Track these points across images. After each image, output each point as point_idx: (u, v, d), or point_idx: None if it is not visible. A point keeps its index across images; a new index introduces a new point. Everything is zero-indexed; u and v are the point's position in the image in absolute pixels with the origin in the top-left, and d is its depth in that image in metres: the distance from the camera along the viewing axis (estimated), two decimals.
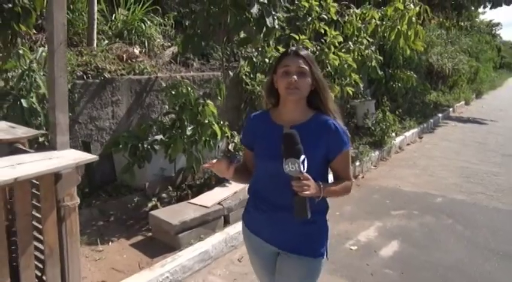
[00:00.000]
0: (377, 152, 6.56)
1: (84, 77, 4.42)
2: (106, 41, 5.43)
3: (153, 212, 3.46)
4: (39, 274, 2.37)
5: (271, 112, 1.89)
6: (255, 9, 4.54)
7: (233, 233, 3.52)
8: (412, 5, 6.95)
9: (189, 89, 3.75)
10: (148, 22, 5.88)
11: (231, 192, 3.82)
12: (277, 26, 4.82)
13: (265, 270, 1.98)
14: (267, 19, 4.66)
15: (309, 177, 1.60)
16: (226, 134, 4.05)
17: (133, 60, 5.22)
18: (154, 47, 6.05)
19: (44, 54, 3.59)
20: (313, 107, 1.83)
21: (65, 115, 2.38)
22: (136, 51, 5.47)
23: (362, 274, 3.29)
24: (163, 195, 4.25)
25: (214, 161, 1.81)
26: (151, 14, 6.19)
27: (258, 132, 1.89)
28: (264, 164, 1.83)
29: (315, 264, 1.83)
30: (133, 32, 5.84)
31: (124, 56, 5.16)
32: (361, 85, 6.88)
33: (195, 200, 3.61)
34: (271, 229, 1.85)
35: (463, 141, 8.65)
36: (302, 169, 1.56)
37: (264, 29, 4.76)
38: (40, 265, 2.35)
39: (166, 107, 5.01)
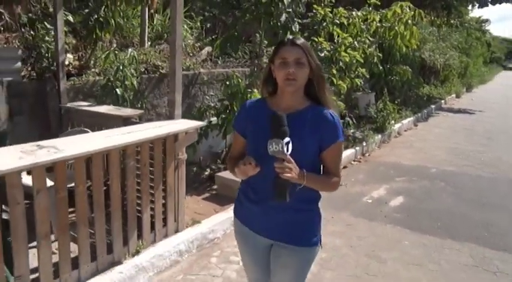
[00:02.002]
0: (379, 136, 7.83)
1: (146, 72, 5.61)
2: (149, 42, 6.62)
3: (219, 174, 4.68)
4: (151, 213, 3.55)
5: (268, 100, 1.93)
6: (283, 18, 5.76)
7: None
8: (407, 9, 8.23)
9: (240, 80, 4.96)
10: (185, 26, 7.07)
11: None
12: (297, 30, 6.07)
13: (255, 264, 2.04)
14: (292, 25, 5.90)
15: (292, 160, 1.64)
16: None
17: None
18: (187, 47, 7.25)
19: (132, 53, 4.78)
20: (311, 96, 1.87)
21: (179, 95, 3.59)
22: None
23: (378, 216, 4.53)
24: (213, 166, 5.46)
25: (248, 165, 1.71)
26: (184, 19, 7.38)
27: (253, 118, 1.91)
28: (256, 152, 1.79)
29: (310, 253, 1.91)
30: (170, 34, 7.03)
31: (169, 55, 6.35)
32: (362, 79, 8.15)
33: None
34: (263, 220, 1.88)
35: (453, 128, 9.99)
36: (285, 151, 1.60)
37: (288, 33, 6.01)
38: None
39: (207, 97, 6.21)
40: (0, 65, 4.30)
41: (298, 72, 1.76)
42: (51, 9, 5.68)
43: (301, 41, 1.81)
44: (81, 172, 2.73)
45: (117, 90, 4.51)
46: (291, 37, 1.84)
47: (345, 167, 6.20)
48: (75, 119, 4.32)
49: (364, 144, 7.14)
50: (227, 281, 3.22)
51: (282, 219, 1.84)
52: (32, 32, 5.19)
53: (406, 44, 8.16)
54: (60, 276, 2.72)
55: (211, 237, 3.80)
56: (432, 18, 16.41)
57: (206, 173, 5.19)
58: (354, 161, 6.63)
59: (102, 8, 5.03)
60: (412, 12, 7.71)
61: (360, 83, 7.08)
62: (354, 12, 7.87)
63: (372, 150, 7.34)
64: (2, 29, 5.53)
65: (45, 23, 5.03)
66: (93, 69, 5.04)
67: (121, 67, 4.52)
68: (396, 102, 9.27)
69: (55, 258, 2.74)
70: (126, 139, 2.98)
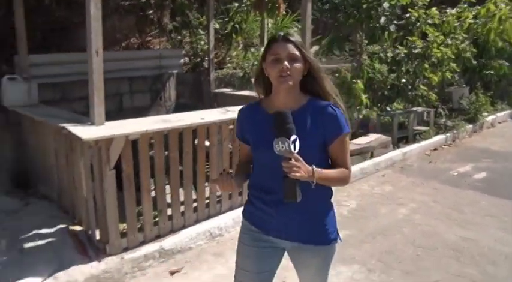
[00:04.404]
0: (471, 125, 8.75)
1: None
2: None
3: None
4: None
5: (262, 102, 1.94)
6: (382, 20, 7.07)
7: (378, 161, 6.09)
8: (503, 5, 9.04)
9: (346, 73, 6.38)
10: (295, 28, 8.60)
11: (374, 138, 6.40)
12: (394, 30, 7.33)
13: (256, 266, 2.00)
14: (389, 26, 7.18)
15: (300, 158, 1.65)
16: (367, 103, 6.64)
17: None
18: None
19: (262, 52, 6.41)
20: (308, 92, 1.88)
21: None
22: None
23: (461, 184, 5.67)
24: None
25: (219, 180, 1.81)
26: (293, 21, 8.93)
27: (251, 124, 1.94)
28: (260, 155, 1.87)
29: (330, 250, 1.95)
30: None
31: None
32: (456, 74, 9.10)
33: (353, 141, 6.24)
34: (279, 221, 1.88)
35: None
36: (292, 149, 1.62)
37: (386, 33, 7.30)
38: None
39: None
40: (170, 61, 6.16)
41: (293, 68, 1.76)
42: (190, 18, 7.55)
43: (293, 36, 1.82)
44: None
45: (252, 80, 6.15)
46: (282, 33, 1.84)
47: (435, 149, 7.33)
48: (221, 100, 6.02)
49: (455, 131, 8.15)
50: (340, 217, 4.65)
51: (298, 219, 1.86)
52: (179, 37, 7.08)
53: (502, 37, 8.97)
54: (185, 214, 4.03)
55: None
56: None
57: None
58: (444, 145, 7.69)
59: (237, 16, 6.76)
60: (508, 8, 8.53)
61: (451, 76, 8.11)
62: (448, 11, 8.88)
63: (462, 137, 8.30)
64: (157, 35, 7.52)
65: (195, 29, 6.86)
66: (228, 64, 6.76)
67: (256, 62, 6.15)
68: (489, 94, 10.00)
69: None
70: None
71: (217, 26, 6.71)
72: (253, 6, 6.78)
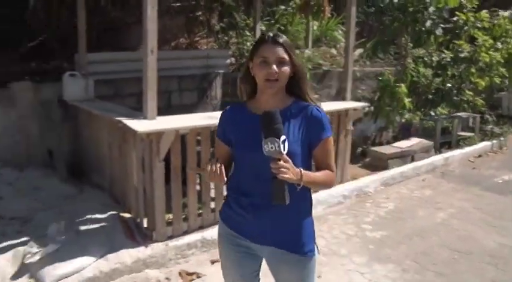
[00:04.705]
0: None
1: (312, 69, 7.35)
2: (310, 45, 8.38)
3: (372, 148, 6.22)
4: None
5: (247, 103, 1.91)
6: (428, 23, 7.05)
7: (418, 165, 6.11)
8: None
9: (390, 76, 6.42)
10: (339, 31, 8.69)
11: (416, 142, 6.42)
12: (440, 34, 7.29)
13: (237, 273, 1.99)
14: (435, 29, 7.15)
15: (289, 159, 1.62)
16: (410, 107, 6.65)
17: (334, 58, 8.07)
18: (340, 49, 8.87)
19: (307, 54, 6.56)
20: (293, 94, 1.87)
21: (350, 84, 5.19)
22: (334, 52, 8.31)
23: (506, 192, 5.59)
24: (363, 146, 6.98)
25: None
26: (338, 24, 9.02)
27: (234, 125, 1.90)
28: (244, 155, 1.83)
29: (306, 263, 1.89)
30: (327, 38, 8.74)
31: (328, 55, 8.04)
32: (506, 79, 8.89)
33: (394, 144, 6.29)
34: (254, 227, 1.86)
35: None
36: (282, 150, 1.58)
37: (432, 37, 7.27)
38: None
39: (359, 90, 7.75)
40: (217, 61, 6.41)
41: (281, 73, 1.74)
42: (237, 19, 7.79)
43: (283, 38, 1.79)
44: None
45: None
46: (271, 34, 1.80)
47: (479, 156, 7.22)
48: None
49: (502, 138, 7.98)
50: (377, 217, 4.74)
51: (275, 224, 1.83)
52: (225, 37, 7.34)
53: None
54: None
55: (366, 190, 5.34)
56: None
57: (358, 150, 6.74)
58: (490, 152, 7.56)
59: (283, 19, 6.93)
60: None
61: (500, 82, 7.96)
62: (500, 13, 8.68)
63: (510, 145, 8.12)
64: (205, 35, 7.80)
65: (241, 31, 7.09)
66: None
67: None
68: None
69: None
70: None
71: (263, 27, 6.91)
72: (298, 9, 6.94)
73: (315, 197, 4.84)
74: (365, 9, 8.64)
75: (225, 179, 1.76)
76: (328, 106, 5.00)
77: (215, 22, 8.03)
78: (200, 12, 7.72)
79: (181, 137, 3.77)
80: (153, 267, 3.55)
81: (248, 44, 6.73)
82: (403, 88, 6.33)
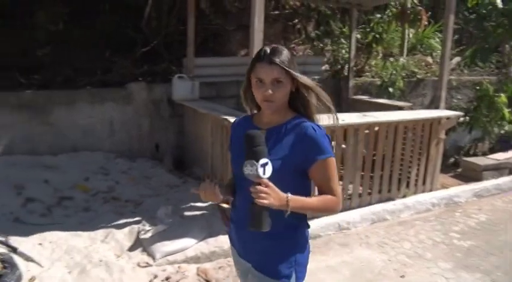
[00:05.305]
0: None
1: (406, 77, 7.38)
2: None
3: (468, 159, 6.14)
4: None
5: (254, 116, 1.86)
6: None
7: (508, 180, 5.91)
8: None
9: (488, 86, 6.28)
10: (436, 39, 8.57)
11: None
12: None
13: None
14: None
15: (270, 184, 1.54)
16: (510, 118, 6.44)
17: (429, 67, 8.00)
18: (436, 57, 8.73)
19: (401, 62, 6.64)
20: (295, 108, 1.79)
21: (444, 92, 5.20)
22: (430, 60, 8.23)
23: None
24: (456, 156, 6.86)
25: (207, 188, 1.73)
26: (436, 32, 8.87)
27: (235, 137, 1.88)
28: (237, 171, 1.75)
29: None
30: (423, 46, 8.66)
31: (423, 63, 7.99)
32: None
33: (490, 156, 6.15)
34: (241, 242, 1.84)
35: None
36: (261, 173, 1.52)
37: None
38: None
39: (455, 100, 7.61)
40: (312, 68, 6.70)
41: (276, 93, 1.67)
42: (333, 27, 8.02)
43: (280, 57, 1.67)
44: (382, 134, 4.66)
45: (390, 89, 6.40)
46: (268, 51, 1.68)
47: None
48: (358, 106, 6.37)
49: None
50: (466, 227, 4.71)
51: (256, 245, 1.76)
52: (320, 45, 7.59)
53: None
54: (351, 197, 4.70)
55: (456, 200, 5.30)
56: None
57: (451, 160, 6.65)
58: None
59: (378, 27, 7.04)
60: None
61: None
62: None
63: None
64: (300, 42, 8.13)
65: (336, 38, 7.31)
66: (367, 73, 7.08)
67: (394, 72, 6.40)
68: None
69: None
70: (414, 116, 4.81)
71: (358, 35, 7.08)
72: (395, 17, 7.02)
73: (403, 201, 4.95)
74: (465, 16, 8.45)
75: (221, 197, 1.75)
76: (419, 114, 5.10)
77: (311, 29, 8.33)
78: (297, 20, 8.06)
79: None
80: None
81: (343, 51, 6.94)
82: (502, 98, 6.16)
